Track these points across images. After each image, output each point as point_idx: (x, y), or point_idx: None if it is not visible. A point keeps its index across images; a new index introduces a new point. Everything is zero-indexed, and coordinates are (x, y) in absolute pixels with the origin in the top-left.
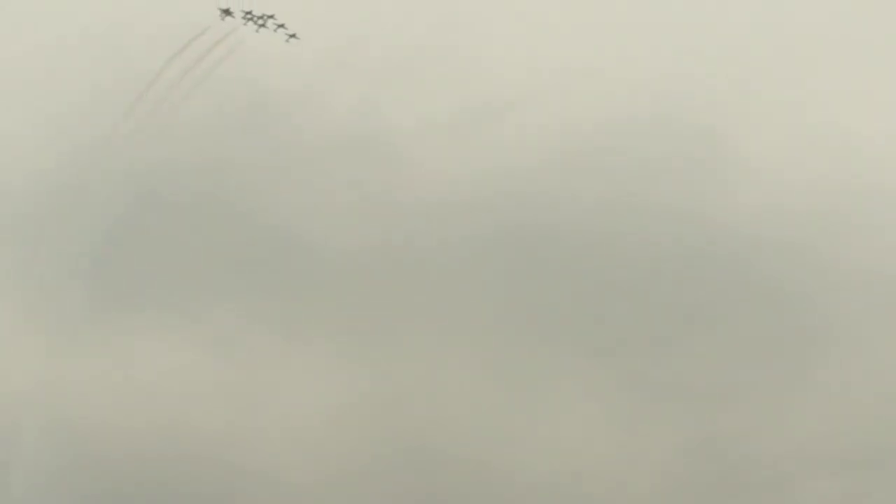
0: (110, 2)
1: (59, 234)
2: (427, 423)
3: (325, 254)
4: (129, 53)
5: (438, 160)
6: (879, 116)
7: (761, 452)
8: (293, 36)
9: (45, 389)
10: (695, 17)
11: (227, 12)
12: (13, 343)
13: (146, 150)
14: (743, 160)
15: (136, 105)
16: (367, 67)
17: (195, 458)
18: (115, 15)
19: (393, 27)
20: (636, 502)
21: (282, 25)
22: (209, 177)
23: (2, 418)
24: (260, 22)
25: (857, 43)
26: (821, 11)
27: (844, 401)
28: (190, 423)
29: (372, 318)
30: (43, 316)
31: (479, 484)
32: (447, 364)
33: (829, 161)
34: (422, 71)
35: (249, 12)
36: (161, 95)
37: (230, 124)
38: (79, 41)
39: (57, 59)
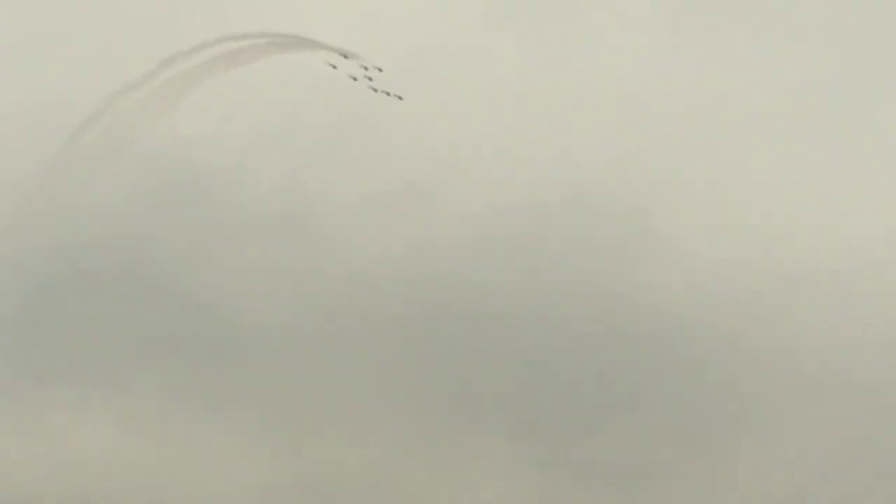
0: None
1: None
2: (350, 498)
3: (247, 330)
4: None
5: (361, 238)
6: (803, 202)
7: None
8: (399, 97)
9: None
10: (621, 99)
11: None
12: None
13: (64, 223)
14: (665, 241)
15: (52, 176)
16: (291, 146)
17: None
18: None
19: (317, 106)
20: None
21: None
22: (131, 252)
23: None
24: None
25: (782, 129)
26: (748, 98)
27: (761, 482)
28: (111, 498)
29: (293, 395)
30: None
31: None
32: (367, 441)
33: (753, 244)
34: (345, 150)
35: (365, 68)
36: (82, 167)
37: (153, 200)
38: None
39: None
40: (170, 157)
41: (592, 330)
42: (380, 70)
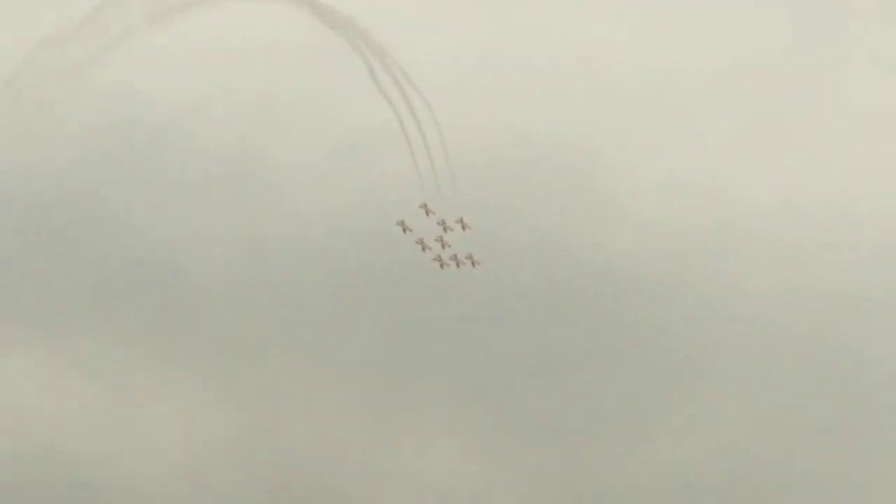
0: None
1: None
2: (298, 455)
3: (199, 282)
4: None
5: (311, 194)
6: (744, 161)
7: (626, 485)
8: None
9: None
10: (569, 63)
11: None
12: None
13: (17, 177)
14: (611, 199)
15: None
16: (243, 102)
17: (61, 481)
18: None
19: (268, 61)
20: None
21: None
22: (84, 205)
23: None
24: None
25: (725, 92)
26: (693, 63)
27: (706, 436)
28: (57, 445)
29: (244, 349)
30: None
31: None
32: (319, 398)
33: (696, 202)
34: (296, 105)
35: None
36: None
37: (106, 154)
38: None
39: None
40: (122, 112)
41: (540, 287)
42: (463, 227)
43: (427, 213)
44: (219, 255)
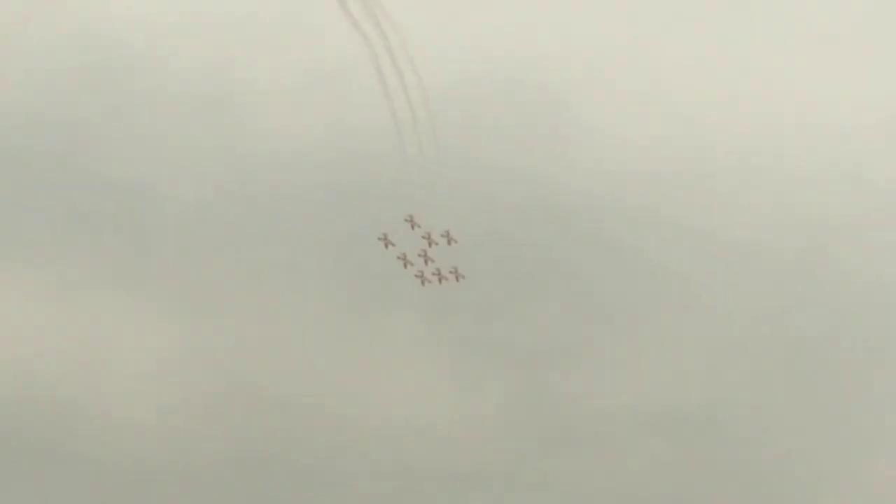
0: None
1: None
2: (267, 371)
3: (166, 207)
4: None
5: (281, 118)
6: (721, 84)
7: (592, 410)
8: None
9: None
10: None
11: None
12: None
13: None
14: (587, 124)
15: None
16: (215, 27)
17: (24, 397)
18: None
19: None
20: (469, 455)
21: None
22: (52, 128)
23: None
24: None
25: (699, 13)
26: None
27: (676, 360)
28: (20, 363)
29: (211, 271)
30: None
31: (316, 430)
32: (282, 318)
33: (674, 126)
34: (268, 32)
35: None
36: None
37: (76, 78)
38: None
39: None
40: (95, 33)
41: (511, 209)
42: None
43: (412, 227)
44: (186, 176)
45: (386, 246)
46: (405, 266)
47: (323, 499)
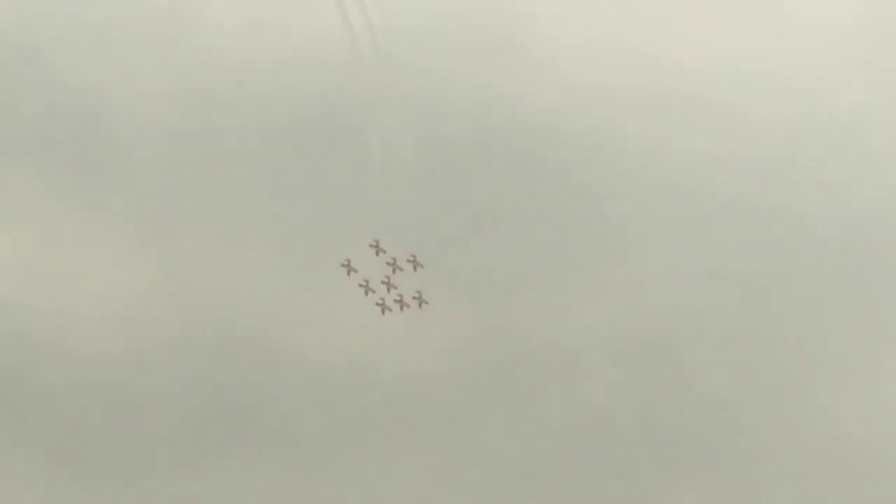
0: None
1: None
2: (228, 307)
3: (131, 137)
4: None
5: (246, 47)
6: (680, 27)
7: (548, 341)
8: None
9: None
10: None
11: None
12: None
13: None
14: (543, 60)
15: None
16: None
17: None
18: None
19: None
20: (425, 386)
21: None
22: (11, 42)
23: None
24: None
25: None
26: None
27: (631, 292)
28: None
29: (176, 200)
30: None
31: (270, 363)
32: (251, 248)
33: (631, 66)
34: None
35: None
36: None
37: (35, 4)
38: None
39: None
40: None
41: (470, 144)
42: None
43: (377, 252)
44: (149, 106)
45: (348, 273)
46: (366, 294)
47: (290, 433)
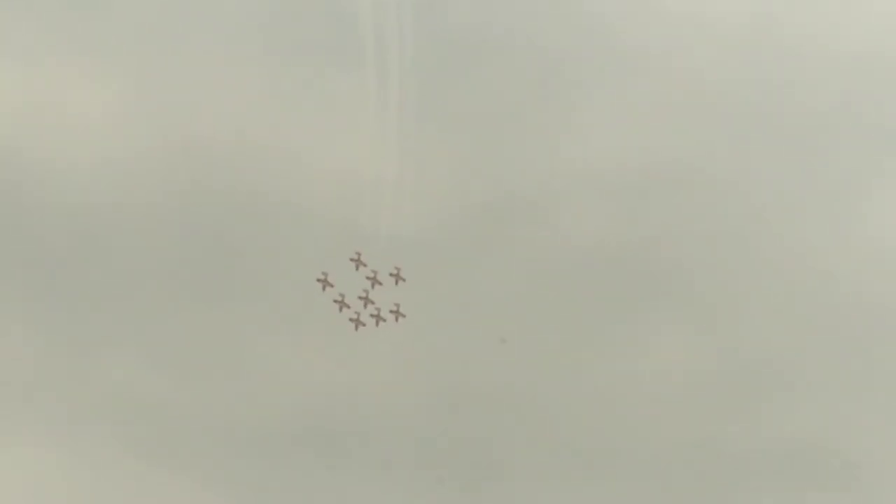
0: None
1: None
2: (214, 124)
3: None
4: None
5: None
6: None
7: (535, 174)
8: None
9: None
10: None
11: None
12: None
13: None
14: None
15: None
16: None
17: None
18: None
19: None
20: (409, 220)
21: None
22: None
23: None
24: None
25: None
26: None
27: (624, 123)
28: None
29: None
30: None
31: (258, 184)
32: (239, 71)
33: None
34: None
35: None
36: None
37: None
38: None
39: None
40: None
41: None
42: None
43: (357, 267)
44: None
45: (324, 288)
46: (340, 310)
47: (267, 249)
